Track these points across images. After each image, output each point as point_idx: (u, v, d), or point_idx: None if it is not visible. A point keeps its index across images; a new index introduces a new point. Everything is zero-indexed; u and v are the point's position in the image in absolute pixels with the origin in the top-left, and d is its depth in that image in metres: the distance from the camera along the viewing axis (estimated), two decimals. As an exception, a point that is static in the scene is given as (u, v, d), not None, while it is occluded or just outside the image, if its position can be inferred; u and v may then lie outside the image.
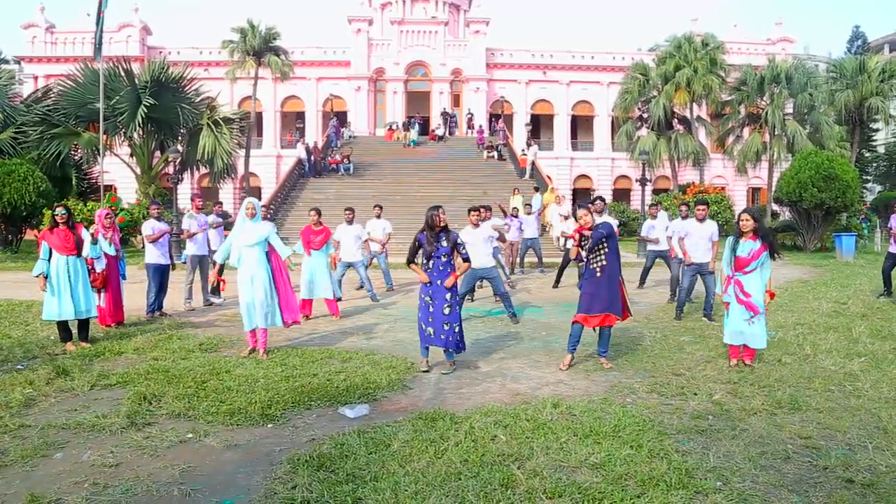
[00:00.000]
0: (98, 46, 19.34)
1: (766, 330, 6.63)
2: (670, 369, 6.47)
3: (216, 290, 11.43)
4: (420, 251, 6.50)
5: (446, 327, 6.30)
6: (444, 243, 6.41)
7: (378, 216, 12.20)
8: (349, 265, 11.21)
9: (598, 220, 7.38)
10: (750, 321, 6.38)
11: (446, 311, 6.31)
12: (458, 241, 6.55)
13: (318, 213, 9.92)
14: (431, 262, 6.38)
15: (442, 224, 6.40)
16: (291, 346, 7.62)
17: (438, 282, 6.34)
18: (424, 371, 6.37)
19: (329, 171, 29.44)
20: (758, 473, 3.93)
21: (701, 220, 9.33)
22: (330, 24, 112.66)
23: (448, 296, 6.33)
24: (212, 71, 39.40)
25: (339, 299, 10.68)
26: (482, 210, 10.69)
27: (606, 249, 6.39)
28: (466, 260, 6.66)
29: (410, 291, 12.46)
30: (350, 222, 11.19)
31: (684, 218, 10.41)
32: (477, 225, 9.09)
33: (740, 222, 6.53)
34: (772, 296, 6.51)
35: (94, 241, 8.13)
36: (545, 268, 16.41)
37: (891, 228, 11.59)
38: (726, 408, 5.19)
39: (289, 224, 22.40)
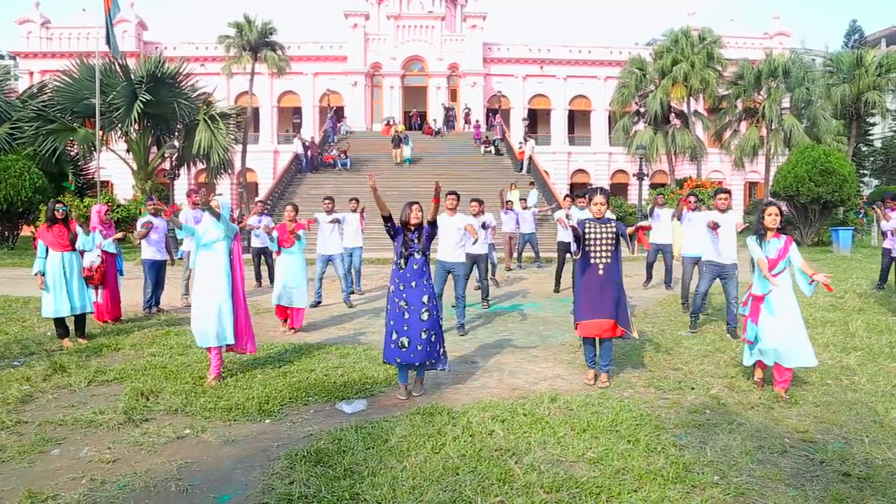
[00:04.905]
0: (110, 40, 19.34)
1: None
2: (668, 364, 6.47)
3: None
4: (395, 243, 5.76)
5: (424, 336, 5.42)
6: (424, 240, 5.75)
7: (354, 210, 11.79)
8: (329, 259, 10.53)
9: (582, 214, 7.02)
10: (749, 344, 5.63)
11: (424, 316, 5.47)
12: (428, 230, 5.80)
13: (296, 209, 8.92)
14: (407, 262, 5.62)
15: (418, 220, 5.71)
16: (288, 342, 7.63)
17: (413, 283, 5.54)
18: (403, 399, 5.44)
19: (326, 167, 29.39)
20: (755, 467, 3.94)
21: (723, 212, 7.82)
22: (326, 19, 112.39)
23: (426, 298, 5.53)
24: (208, 66, 39.25)
25: (319, 303, 10.42)
26: (476, 203, 10.25)
27: (613, 248, 5.75)
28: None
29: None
30: (329, 212, 10.64)
31: (698, 210, 9.41)
32: (453, 212, 8.16)
33: (766, 217, 5.52)
34: (828, 288, 5.23)
35: (87, 234, 8.14)
36: (542, 262, 16.44)
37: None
38: (724, 402, 5.21)
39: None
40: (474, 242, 8.58)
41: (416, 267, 5.60)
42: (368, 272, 14.30)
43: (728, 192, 8.14)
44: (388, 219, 5.64)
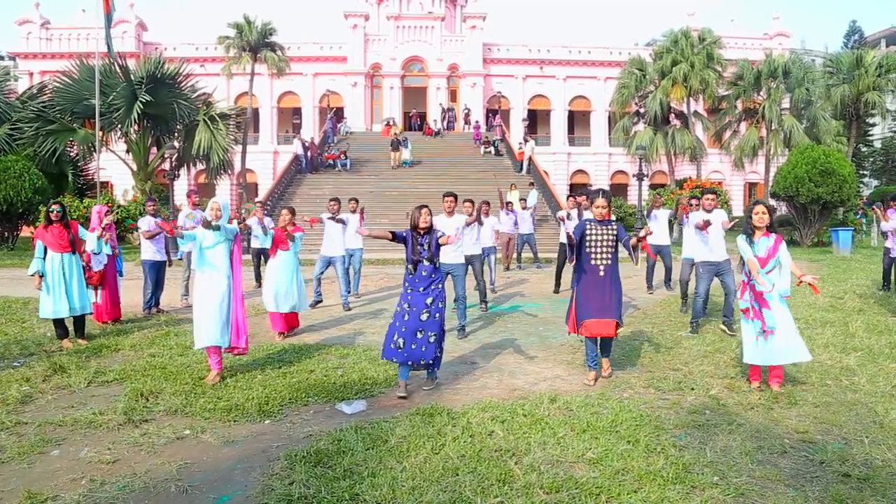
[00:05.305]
0: (107, 41, 19.41)
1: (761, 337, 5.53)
2: (667, 364, 6.47)
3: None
4: (405, 248, 5.83)
5: (419, 336, 5.51)
6: (433, 247, 5.79)
7: (353, 210, 11.68)
8: (329, 261, 10.45)
9: (587, 214, 7.04)
10: (765, 336, 5.46)
11: (423, 317, 5.56)
12: (438, 235, 5.89)
13: (292, 212, 8.65)
14: (416, 268, 5.70)
15: (427, 224, 5.75)
16: (288, 343, 7.62)
17: (421, 288, 5.66)
18: (402, 397, 5.44)
19: (326, 167, 29.40)
20: (755, 468, 3.94)
21: (709, 212, 8.23)
22: (326, 19, 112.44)
23: (429, 301, 5.62)
24: (208, 67, 39.34)
25: (319, 303, 10.42)
26: (483, 205, 10.12)
27: (613, 250, 5.85)
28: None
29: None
30: (335, 213, 10.49)
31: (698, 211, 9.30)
32: (451, 214, 8.08)
33: (754, 216, 5.56)
34: (815, 290, 5.31)
35: (100, 238, 8.12)
36: (542, 263, 16.44)
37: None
38: (723, 402, 5.20)
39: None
40: (470, 225, 8.52)
41: (424, 273, 5.72)
42: (369, 272, 14.31)
43: (715, 192, 8.60)
44: (392, 238, 5.81)
